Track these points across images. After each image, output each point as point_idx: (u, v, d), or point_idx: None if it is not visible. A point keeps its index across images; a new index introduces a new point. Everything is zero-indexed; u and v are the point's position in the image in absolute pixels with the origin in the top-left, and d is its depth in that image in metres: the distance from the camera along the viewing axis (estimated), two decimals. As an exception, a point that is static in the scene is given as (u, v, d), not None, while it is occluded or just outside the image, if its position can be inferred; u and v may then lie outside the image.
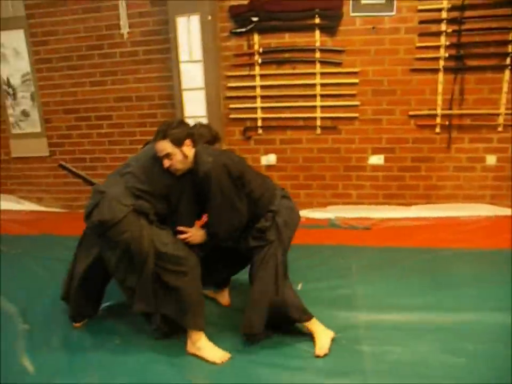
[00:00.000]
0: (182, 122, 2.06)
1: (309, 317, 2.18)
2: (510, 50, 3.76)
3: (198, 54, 3.97)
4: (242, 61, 4.05)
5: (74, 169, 2.60)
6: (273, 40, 3.99)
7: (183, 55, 3.99)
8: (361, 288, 2.79)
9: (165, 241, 2.04)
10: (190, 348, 2.13)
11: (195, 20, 3.94)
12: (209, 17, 3.93)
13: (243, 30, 3.99)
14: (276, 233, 2.11)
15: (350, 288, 2.77)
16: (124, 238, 1.98)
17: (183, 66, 4.00)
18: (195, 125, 2.24)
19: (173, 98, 4.13)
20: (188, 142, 1.99)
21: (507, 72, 3.82)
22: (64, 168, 2.62)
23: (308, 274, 2.97)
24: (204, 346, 2.09)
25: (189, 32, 3.95)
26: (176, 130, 1.97)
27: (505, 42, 3.76)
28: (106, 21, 4.22)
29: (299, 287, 2.77)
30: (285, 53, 3.99)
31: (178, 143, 1.96)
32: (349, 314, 2.44)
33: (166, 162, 1.97)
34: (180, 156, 1.97)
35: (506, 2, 3.66)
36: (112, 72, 4.30)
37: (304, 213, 4.09)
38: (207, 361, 2.07)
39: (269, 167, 4.15)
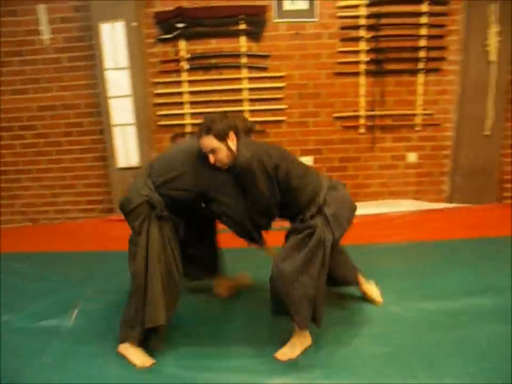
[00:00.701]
0: (224, 116, 2.06)
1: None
2: (422, 55, 4.17)
3: (123, 61, 4.09)
4: (169, 67, 4.21)
5: None
6: (200, 46, 4.18)
7: (108, 62, 4.09)
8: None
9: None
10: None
11: (119, 26, 4.05)
12: (134, 24, 4.07)
13: (169, 36, 4.15)
14: (322, 222, 2.09)
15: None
16: (135, 226, 2.15)
17: (108, 74, 4.11)
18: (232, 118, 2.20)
19: (99, 106, 4.23)
20: (231, 135, 2.03)
21: (420, 76, 4.24)
22: None
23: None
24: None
25: (113, 38, 4.06)
26: (220, 125, 2.00)
27: (417, 49, 4.17)
28: (26, 26, 4.22)
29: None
30: (212, 59, 4.19)
31: (222, 137, 2.01)
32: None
33: (212, 158, 2.02)
34: (224, 150, 2.02)
35: (416, 13, 4.07)
36: (34, 80, 4.32)
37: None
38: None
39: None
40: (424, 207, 4.43)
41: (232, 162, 2.05)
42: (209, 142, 2.01)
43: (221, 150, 2.02)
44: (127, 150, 4.17)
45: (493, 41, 3.96)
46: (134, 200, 2.12)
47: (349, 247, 2.52)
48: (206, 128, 2.00)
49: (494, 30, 3.93)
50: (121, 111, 4.14)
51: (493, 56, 4.00)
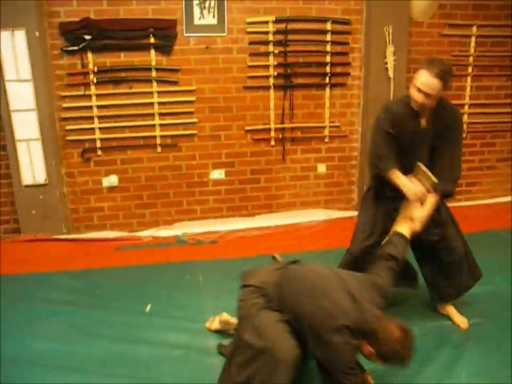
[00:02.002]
0: (451, 68, 2.49)
1: None
2: (327, 70, 4.75)
3: (26, 72, 4.17)
4: (76, 80, 4.42)
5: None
6: (109, 59, 4.42)
7: (9, 73, 4.16)
8: (209, 302, 3.38)
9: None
10: None
11: (20, 35, 4.16)
12: (37, 34, 4.25)
13: (75, 48, 4.36)
14: None
15: (199, 303, 3.30)
16: None
17: (9, 86, 4.19)
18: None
19: (0, 120, 4.38)
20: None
21: (327, 90, 4.81)
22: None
23: (156, 294, 3.48)
24: None
25: (14, 48, 4.19)
26: (448, 78, 2.39)
27: (324, 64, 4.74)
28: None
29: (147, 309, 3.28)
30: (121, 72, 4.46)
31: (445, 87, 2.41)
32: (199, 326, 2.96)
33: (421, 98, 2.44)
34: (437, 98, 2.45)
35: (322, 31, 4.62)
36: None
37: (151, 232, 4.66)
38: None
39: (111, 188, 4.64)
40: (334, 216, 5.02)
41: (440, 110, 2.56)
42: (436, 86, 2.40)
43: (436, 97, 2.47)
44: (33, 166, 4.35)
45: (390, 59, 4.60)
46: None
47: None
48: (442, 73, 2.37)
49: (390, 49, 4.57)
50: (25, 126, 4.23)
51: (391, 73, 4.65)
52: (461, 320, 2.92)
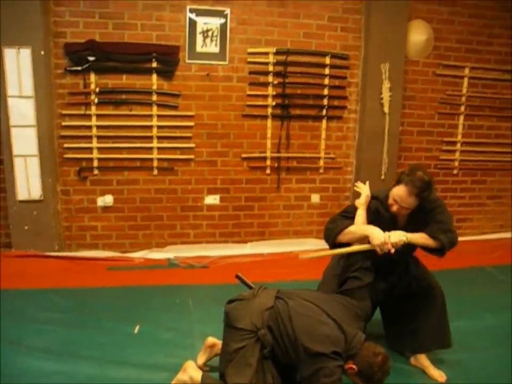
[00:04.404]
0: (432, 183, 2.51)
1: None
2: (325, 103, 4.84)
3: (29, 89, 4.23)
4: (78, 99, 4.47)
5: (247, 281, 2.86)
6: (111, 81, 4.49)
7: (11, 89, 4.22)
8: (197, 327, 3.33)
9: None
10: None
11: (26, 53, 4.22)
12: (42, 52, 4.32)
13: (79, 68, 4.43)
14: None
15: (188, 327, 3.25)
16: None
17: (11, 101, 4.23)
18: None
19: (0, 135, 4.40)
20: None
21: (324, 122, 4.89)
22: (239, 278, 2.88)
23: (146, 316, 3.43)
24: None
25: (18, 65, 4.23)
26: (427, 195, 2.48)
27: (321, 97, 4.84)
28: None
29: (136, 330, 3.22)
30: (122, 94, 4.52)
31: (420, 204, 2.49)
32: (187, 349, 2.89)
33: (398, 210, 2.52)
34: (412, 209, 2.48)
35: (321, 64, 4.72)
36: None
37: (143, 254, 4.64)
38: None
39: (106, 208, 4.64)
40: (326, 246, 5.02)
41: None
42: (413, 203, 2.49)
43: (411, 209, 2.53)
44: (29, 182, 4.36)
45: (386, 95, 4.70)
46: (245, 324, 2.29)
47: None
48: (420, 191, 2.44)
49: (386, 85, 4.67)
50: (24, 141, 4.26)
51: (386, 108, 4.74)
52: (438, 374, 2.71)
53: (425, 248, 2.58)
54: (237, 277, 2.82)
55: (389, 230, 2.47)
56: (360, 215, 2.59)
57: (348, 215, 2.63)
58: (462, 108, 5.13)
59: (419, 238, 2.53)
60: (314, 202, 4.98)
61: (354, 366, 2.13)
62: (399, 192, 2.47)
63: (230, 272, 4.21)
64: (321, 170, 4.92)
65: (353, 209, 2.64)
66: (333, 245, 2.62)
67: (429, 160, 5.21)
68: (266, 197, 4.86)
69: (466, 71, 5.04)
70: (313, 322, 2.21)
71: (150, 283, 4.02)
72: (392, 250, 2.43)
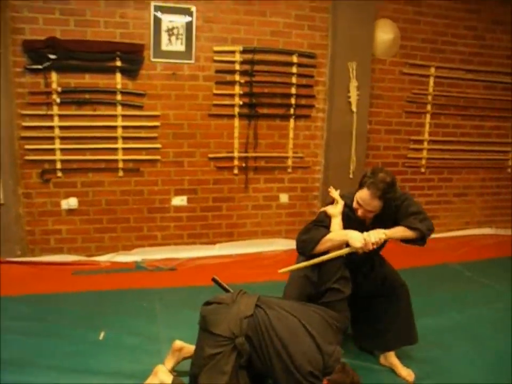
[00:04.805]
0: (394, 183, 2.50)
1: None
2: (292, 102, 4.84)
3: None
4: (39, 99, 4.34)
5: (224, 284, 2.78)
6: (73, 80, 4.38)
7: None
8: (164, 331, 3.27)
9: None
10: None
11: (-19, 50, 4.11)
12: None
13: (39, 67, 4.31)
14: None
15: (155, 332, 3.18)
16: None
17: None
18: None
19: (-43, 137, 4.24)
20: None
21: (292, 121, 4.89)
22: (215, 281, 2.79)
23: (111, 321, 3.36)
24: None
25: (-26, 64, 4.12)
26: (391, 195, 2.47)
27: (289, 95, 4.84)
28: None
29: (101, 336, 3.16)
30: (85, 94, 4.42)
31: (385, 204, 2.47)
32: (153, 355, 2.83)
33: (363, 213, 2.51)
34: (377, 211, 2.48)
35: (288, 63, 4.71)
36: None
37: (109, 257, 4.56)
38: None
39: (70, 211, 4.53)
40: (295, 246, 5.03)
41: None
42: (377, 206, 2.49)
43: (377, 212, 2.54)
44: (-12, 185, 4.23)
45: (354, 94, 4.73)
46: (223, 331, 2.24)
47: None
48: (383, 193, 2.43)
49: (354, 84, 4.70)
50: None
51: (354, 107, 4.77)
52: (407, 373, 2.74)
53: (406, 241, 2.58)
54: (213, 280, 2.79)
55: (359, 228, 2.50)
56: (337, 223, 2.56)
57: (321, 224, 2.58)
58: (429, 107, 5.21)
59: (397, 231, 2.53)
60: (283, 202, 4.99)
61: None
62: (362, 195, 2.47)
63: (198, 274, 4.24)
64: (289, 170, 4.93)
65: (325, 217, 2.61)
66: (310, 256, 2.53)
67: (397, 159, 5.27)
68: (234, 197, 4.85)
69: (432, 70, 5.13)
70: (293, 338, 2.18)
71: (117, 287, 3.95)
72: (374, 247, 2.45)
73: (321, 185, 4.99)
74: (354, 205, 2.56)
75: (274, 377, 2.24)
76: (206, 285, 3.86)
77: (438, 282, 4.29)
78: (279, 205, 5.00)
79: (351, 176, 4.85)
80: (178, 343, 2.73)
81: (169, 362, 2.70)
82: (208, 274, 4.20)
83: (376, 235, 2.43)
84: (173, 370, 2.66)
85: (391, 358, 2.86)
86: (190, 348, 2.71)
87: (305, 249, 2.53)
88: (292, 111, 4.78)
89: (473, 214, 5.78)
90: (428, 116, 5.25)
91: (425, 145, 5.31)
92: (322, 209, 2.67)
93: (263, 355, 2.24)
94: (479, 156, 5.56)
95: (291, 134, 4.83)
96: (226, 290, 2.74)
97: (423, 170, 5.39)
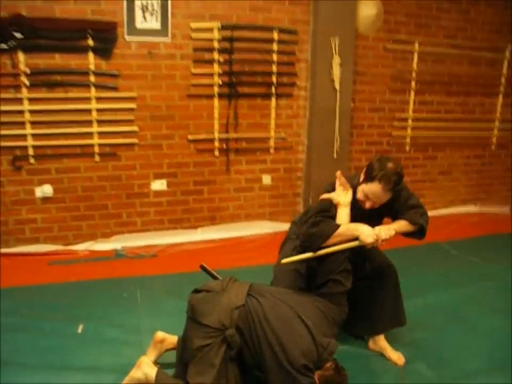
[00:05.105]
0: (403, 173, 2.41)
1: None
2: (274, 80, 4.69)
3: None
4: (6, 81, 4.09)
5: (212, 271, 2.62)
6: (42, 61, 4.14)
7: None
8: (146, 321, 3.18)
9: None
10: None
11: None
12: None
13: (4, 46, 4.07)
14: None
15: (136, 323, 3.09)
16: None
17: None
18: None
19: None
20: None
21: (273, 100, 4.75)
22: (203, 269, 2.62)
23: (90, 313, 3.25)
24: None
25: None
26: (400, 186, 2.41)
27: (270, 74, 4.68)
28: None
29: (79, 329, 3.04)
30: (56, 75, 4.21)
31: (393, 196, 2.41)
32: (135, 347, 2.76)
33: (369, 204, 2.43)
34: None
35: (268, 40, 4.55)
36: None
37: (88, 246, 4.41)
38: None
39: (45, 199, 4.34)
40: (279, 229, 4.94)
41: None
42: (386, 198, 2.43)
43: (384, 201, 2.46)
44: (-44, 174, 4.03)
45: (336, 71, 4.59)
46: (212, 323, 2.16)
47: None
48: (394, 186, 2.37)
49: (336, 61, 4.56)
50: None
51: (337, 85, 4.64)
52: (397, 357, 2.73)
53: (406, 234, 2.56)
54: (202, 267, 2.67)
55: (359, 221, 2.43)
56: (345, 214, 2.45)
57: (327, 214, 2.44)
58: (413, 84, 5.12)
59: (402, 226, 2.51)
60: (266, 184, 4.88)
61: (316, 380, 2.06)
62: (372, 189, 2.38)
63: (180, 261, 4.13)
64: (271, 151, 4.81)
65: (330, 206, 2.47)
66: (318, 248, 2.40)
67: (381, 137, 5.19)
68: (216, 180, 4.72)
69: (416, 45, 5.02)
70: (287, 329, 2.10)
71: (96, 277, 3.83)
72: (383, 243, 2.41)
73: (305, 165, 4.89)
74: (361, 197, 2.46)
75: (265, 370, 2.15)
76: (189, 272, 3.81)
77: (425, 262, 4.25)
78: (262, 187, 4.90)
79: (335, 156, 4.75)
80: (160, 335, 2.62)
81: (151, 355, 2.59)
82: (190, 260, 4.16)
83: (386, 231, 2.37)
84: (155, 363, 2.54)
85: (381, 342, 2.84)
86: (173, 339, 2.61)
87: (313, 244, 2.38)
88: (273, 89, 4.64)
89: (458, 192, 5.74)
90: (412, 93, 5.15)
91: (410, 123, 5.23)
92: (326, 196, 2.50)
93: (254, 347, 2.16)
94: (464, 133, 5.50)
95: (273, 114, 4.70)
96: (215, 278, 2.62)
97: (407, 148, 5.32)
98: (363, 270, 2.76)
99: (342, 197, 2.47)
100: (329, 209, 2.46)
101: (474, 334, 3.13)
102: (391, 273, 2.82)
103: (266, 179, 4.87)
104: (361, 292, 2.80)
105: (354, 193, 2.57)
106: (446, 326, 3.22)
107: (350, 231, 2.44)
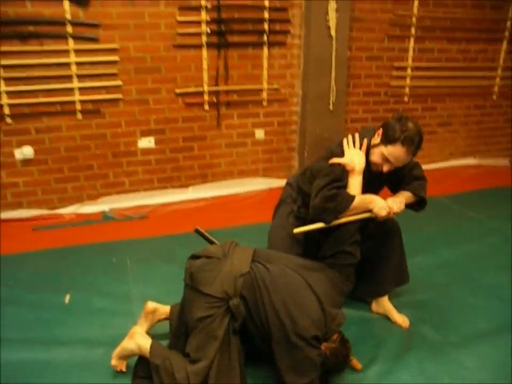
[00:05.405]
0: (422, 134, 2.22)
1: None
2: (265, 28, 4.36)
3: None
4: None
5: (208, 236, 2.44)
6: (11, 8, 3.70)
7: None
8: (137, 289, 3.02)
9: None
10: None
11: None
12: None
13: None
14: None
15: (126, 291, 2.95)
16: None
17: None
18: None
19: None
20: None
21: (265, 49, 4.43)
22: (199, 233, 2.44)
23: (78, 281, 3.09)
24: None
25: None
26: (419, 150, 2.22)
27: (261, 21, 4.35)
28: None
29: (66, 300, 2.89)
30: (29, 26, 3.85)
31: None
32: (125, 318, 2.63)
33: (387, 167, 2.26)
34: None
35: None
36: None
37: (74, 209, 4.19)
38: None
39: (26, 161, 4.07)
40: (274, 185, 4.75)
41: None
42: (407, 160, 2.25)
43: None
44: None
45: (332, 17, 4.27)
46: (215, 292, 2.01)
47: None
48: (416, 147, 2.21)
49: (332, 6, 4.23)
50: None
51: (333, 32, 4.33)
52: (402, 319, 2.64)
53: (407, 206, 2.42)
54: (196, 231, 2.47)
55: (367, 188, 2.31)
56: (358, 183, 2.27)
57: (341, 184, 2.25)
58: (413, 30, 4.82)
59: (408, 198, 2.40)
60: (259, 138, 4.66)
61: (324, 352, 1.99)
62: (395, 152, 2.20)
63: (171, 222, 3.94)
64: (264, 103, 4.55)
65: (342, 173, 2.26)
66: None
67: (379, 88, 4.93)
68: (206, 135, 4.48)
69: (417, -13, 4.65)
70: (296, 297, 1.97)
71: (83, 241, 3.64)
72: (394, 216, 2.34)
73: (299, 118, 4.65)
74: (378, 160, 2.28)
75: (271, 341, 1.97)
76: (181, 233, 3.63)
77: (424, 218, 4.03)
78: (255, 142, 4.67)
79: (330, 107, 4.50)
80: (150, 305, 2.45)
81: (142, 326, 2.43)
82: (182, 221, 3.98)
83: (398, 204, 2.29)
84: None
85: (385, 304, 2.74)
86: (165, 309, 2.45)
87: (328, 218, 2.21)
88: (265, 38, 4.33)
89: (457, 144, 5.55)
90: (412, 40, 4.86)
91: (409, 72, 4.95)
92: (336, 161, 2.28)
93: (259, 317, 2.00)
94: (464, 83, 5.25)
95: (265, 64, 4.41)
96: (211, 242, 2.43)
97: (406, 99, 5.07)
98: (367, 230, 2.59)
99: (356, 162, 2.26)
100: (342, 178, 2.26)
101: (480, 292, 3.02)
102: (395, 230, 2.67)
103: (259, 133, 4.63)
104: (365, 253, 2.64)
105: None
106: (450, 285, 3.10)
107: (365, 203, 2.29)
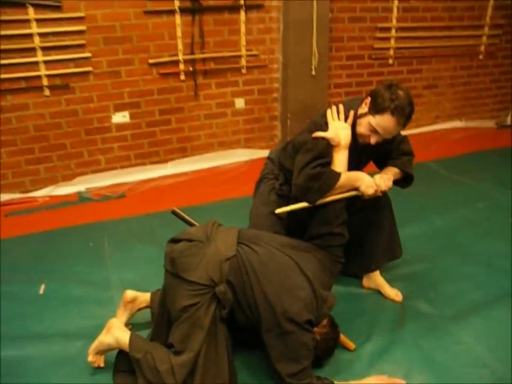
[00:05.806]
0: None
1: None
2: (241, -11, 4.08)
3: None
4: None
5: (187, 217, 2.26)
6: None
7: None
8: (116, 274, 2.86)
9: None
10: None
11: None
12: None
13: None
14: None
15: (104, 276, 2.80)
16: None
17: None
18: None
19: None
20: None
21: (242, 13, 4.17)
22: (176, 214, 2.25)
23: (53, 269, 2.92)
24: None
25: None
26: (409, 120, 2.05)
27: (235, -18, 4.06)
28: None
29: (41, 290, 2.71)
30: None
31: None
32: (104, 306, 2.49)
33: (376, 139, 2.08)
34: None
35: None
36: None
37: (48, 191, 3.96)
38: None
39: (-9, 142, 3.85)
40: (257, 156, 4.58)
41: None
42: (397, 131, 2.09)
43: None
44: None
45: (312, -25, 4.02)
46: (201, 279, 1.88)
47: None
48: (406, 119, 2.03)
49: (312, -37, 3.97)
50: None
51: (314, -8, 4.08)
52: (394, 293, 2.55)
53: (394, 182, 2.30)
54: (173, 212, 2.29)
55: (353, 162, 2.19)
56: (344, 159, 2.12)
57: (325, 161, 2.10)
58: (397, -13, 4.55)
59: (396, 175, 2.31)
60: (239, 108, 4.46)
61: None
62: (383, 123, 2.03)
63: (151, 199, 3.77)
64: (243, 71, 4.33)
65: (326, 148, 2.10)
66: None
67: (363, 50, 4.73)
68: (184, 107, 4.26)
69: None
70: (286, 281, 1.85)
71: (58, 225, 3.45)
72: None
73: (281, 85, 4.44)
74: (366, 131, 2.12)
75: (261, 328, 1.87)
76: (161, 211, 3.45)
77: (413, 185, 3.88)
78: (235, 112, 4.46)
79: (313, 73, 4.31)
80: (129, 294, 2.29)
81: (122, 317, 2.27)
82: (161, 198, 3.79)
83: (386, 182, 2.18)
84: (127, 325, 2.23)
85: (376, 278, 2.62)
86: (145, 296, 2.30)
87: (312, 198, 2.08)
88: (241, 1, 4.08)
89: (443, 107, 5.40)
90: (396, -1, 4.59)
91: (393, 33, 4.75)
92: (320, 134, 2.10)
93: (247, 303, 1.87)
94: (450, 42, 5.05)
95: (243, 29, 4.17)
96: (191, 224, 2.25)
97: (391, 61, 4.88)
98: (354, 205, 2.44)
99: (341, 136, 2.09)
100: (326, 154, 2.10)
101: (473, 261, 2.92)
102: (385, 201, 2.52)
103: (240, 103, 4.43)
104: (354, 227, 2.50)
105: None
106: (441, 255, 2.99)
107: (351, 181, 2.15)
